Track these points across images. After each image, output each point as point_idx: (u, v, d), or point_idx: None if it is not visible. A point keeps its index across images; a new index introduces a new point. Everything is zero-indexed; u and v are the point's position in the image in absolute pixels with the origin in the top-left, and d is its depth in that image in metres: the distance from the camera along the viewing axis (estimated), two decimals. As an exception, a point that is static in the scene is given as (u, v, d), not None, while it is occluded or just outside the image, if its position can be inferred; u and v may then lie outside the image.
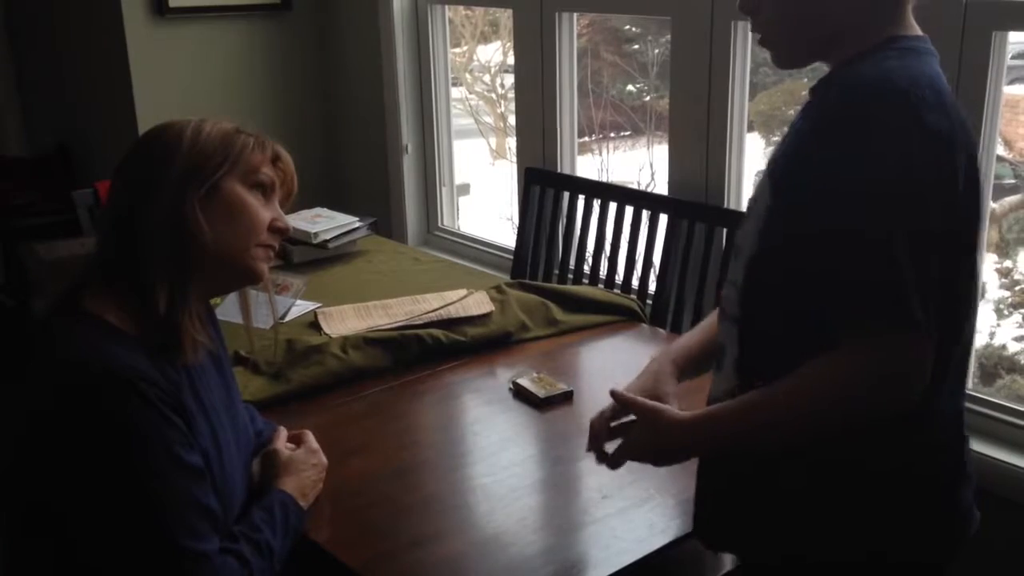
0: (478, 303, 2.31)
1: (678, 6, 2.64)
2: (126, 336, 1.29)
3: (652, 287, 2.79)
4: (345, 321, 2.30)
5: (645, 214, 2.84)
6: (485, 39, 5.40)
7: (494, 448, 1.78)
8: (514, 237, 3.27)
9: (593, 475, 1.70)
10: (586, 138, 4.83)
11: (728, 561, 1.66)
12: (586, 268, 3.00)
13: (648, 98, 4.92)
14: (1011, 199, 3.48)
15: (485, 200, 5.14)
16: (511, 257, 3.27)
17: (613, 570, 1.42)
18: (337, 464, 1.64)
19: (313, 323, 2.32)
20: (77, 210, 3.03)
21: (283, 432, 1.64)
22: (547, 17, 3.03)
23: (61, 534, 1.25)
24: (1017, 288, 3.46)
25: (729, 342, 1.36)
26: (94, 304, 1.30)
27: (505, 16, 4.59)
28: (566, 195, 3.09)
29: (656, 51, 4.65)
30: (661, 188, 3.17)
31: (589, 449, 1.50)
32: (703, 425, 1.31)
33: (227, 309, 2.40)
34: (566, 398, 1.94)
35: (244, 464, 1.48)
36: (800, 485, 1.31)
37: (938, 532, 1.33)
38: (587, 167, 4.64)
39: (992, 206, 2.67)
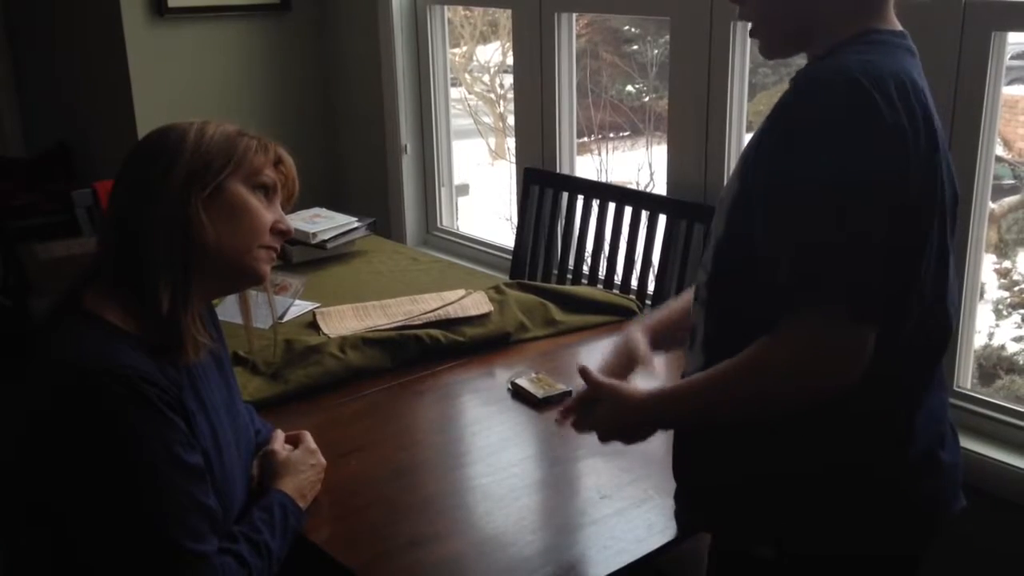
0: (477, 303, 2.31)
1: (677, 7, 2.64)
2: (127, 336, 1.29)
3: (651, 287, 2.79)
4: (344, 321, 2.30)
5: (644, 214, 2.84)
6: (484, 39, 5.40)
7: (493, 448, 1.77)
8: (513, 237, 3.27)
9: (592, 475, 1.71)
10: (585, 138, 4.83)
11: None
12: (585, 268, 3.00)
13: (647, 98, 4.92)
14: (1010, 199, 3.48)
15: (484, 200, 5.14)
16: (510, 257, 3.27)
17: (612, 570, 1.42)
18: (335, 464, 1.64)
19: (312, 323, 2.32)
20: (76, 210, 3.03)
21: (280, 434, 1.64)
22: (546, 17, 3.03)
23: (60, 534, 1.25)
24: (1016, 288, 3.46)
25: (698, 323, 1.40)
26: (95, 304, 1.30)
27: (504, 16, 4.59)
28: (565, 195, 3.09)
29: (655, 51, 4.65)
30: (660, 188, 3.17)
31: (559, 419, 1.52)
32: (661, 402, 1.36)
33: (227, 309, 2.40)
34: (565, 398, 1.93)
35: (244, 464, 1.49)
36: (765, 471, 1.34)
37: (900, 524, 1.34)
38: (586, 167, 4.64)
39: (991, 206, 2.66)
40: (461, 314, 2.26)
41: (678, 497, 1.50)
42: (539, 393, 1.93)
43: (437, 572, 1.44)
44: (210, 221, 1.33)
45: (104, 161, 3.82)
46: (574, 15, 3.07)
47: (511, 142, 4.27)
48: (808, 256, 1.19)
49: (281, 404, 1.90)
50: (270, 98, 3.80)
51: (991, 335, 3.32)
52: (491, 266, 3.40)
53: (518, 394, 1.97)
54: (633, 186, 4.17)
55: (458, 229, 3.73)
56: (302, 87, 3.88)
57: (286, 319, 2.35)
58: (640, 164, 4.66)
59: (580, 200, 3.05)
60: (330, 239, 2.79)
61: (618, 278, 2.91)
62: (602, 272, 2.95)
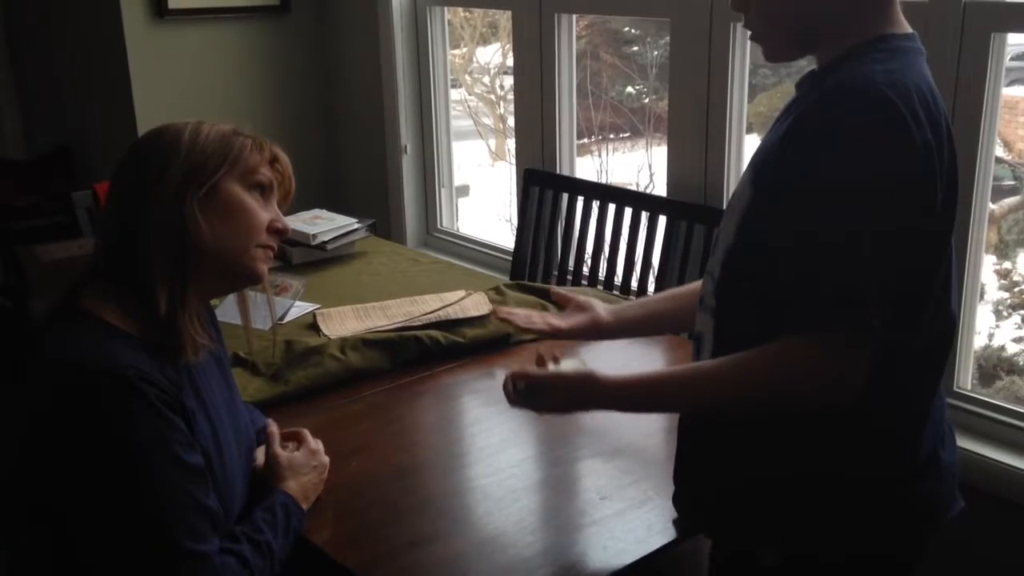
0: (477, 304, 2.31)
1: (677, 8, 2.64)
2: (126, 336, 1.29)
3: (651, 288, 2.79)
4: (344, 322, 2.30)
5: (644, 215, 2.84)
6: (484, 41, 5.40)
7: (492, 449, 1.77)
8: (513, 238, 3.28)
9: (592, 476, 1.71)
10: (585, 140, 4.83)
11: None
12: (585, 269, 3.00)
13: (647, 100, 4.92)
14: (1010, 200, 3.48)
15: (484, 201, 5.14)
16: (510, 258, 3.27)
17: (611, 571, 1.42)
18: (336, 465, 1.64)
19: (312, 324, 2.32)
20: (76, 212, 3.03)
21: (276, 436, 1.63)
22: (546, 19, 3.03)
23: (61, 534, 1.25)
24: (1016, 289, 3.46)
25: (706, 332, 1.39)
26: (94, 305, 1.30)
27: (504, 18, 4.60)
28: (565, 196, 3.09)
29: (655, 53, 4.65)
30: (660, 189, 3.17)
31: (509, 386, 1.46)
32: (636, 391, 1.34)
33: (226, 310, 2.40)
34: (565, 399, 1.93)
35: (245, 463, 1.49)
36: (769, 476, 1.33)
37: (901, 525, 1.34)
38: (586, 168, 4.65)
39: (991, 207, 2.66)
40: (461, 315, 2.26)
41: (677, 501, 1.49)
42: (539, 394, 1.93)
43: (437, 572, 1.44)
44: (206, 221, 1.33)
45: (104, 163, 3.82)
46: (574, 16, 3.07)
47: (511, 143, 4.27)
48: (822, 272, 1.18)
49: (281, 405, 1.90)
50: (270, 99, 3.80)
51: (991, 336, 3.32)
52: (491, 267, 3.40)
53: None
54: (633, 187, 4.17)
55: (458, 230, 3.74)
56: (302, 88, 3.89)
57: (286, 320, 2.35)
58: (640, 165, 4.66)
59: (580, 201, 3.05)
60: (330, 240, 2.80)
61: (618, 279, 2.92)
62: (602, 273, 2.95)
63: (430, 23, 3.51)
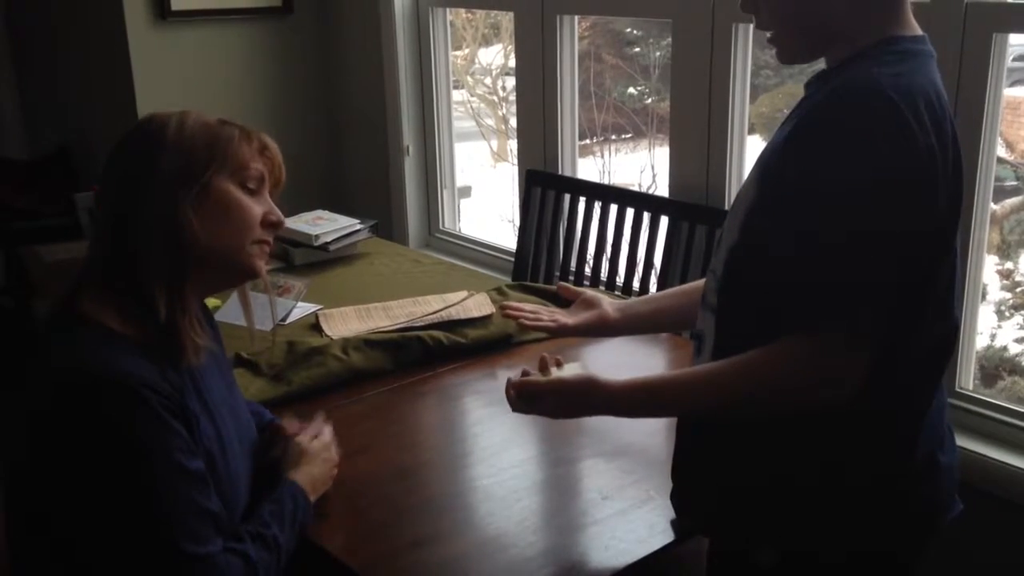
0: (479, 305, 2.31)
1: (679, 9, 2.64)
2: (126, 340, 1.28)
3: (653, 289, 2.79)
4: (346, 323, 2.30)
5: (646, 216, 2.84)
6: (486, 42, 5.40)
7: (495, 449, 1.78)
8: (515, 239, 3.28)
9: (593, 476, 1.71)
10: (587, 140, 4.83)
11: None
12: (587, 270, 3.00)
13: (649, 100, 4.92)
14: (1012, 201, 3.49)
15: (486, 202, 5.15)
16: (512, 259, 3.27)
17: (613, 571, 1.42)
18: (339, 465, 1.64)
19: (314, 325, 2.32)
20: (78, 212, 3.03)
21: (299, 426, 1.63)
22: (548, 20, 3.03)
23: (61, 540, 1.25)
24: (1018, 290, 3.46)
25: (708, 330, 1.39)
26: (92, 309, 1.29)
27: (506, 19, 4.60)
28: (567, 197, 3.09)
29: (657, 54, 4.66)
30: (662, 190, 3.17)
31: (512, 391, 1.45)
32: (637, 395, 1.35)
33: (227, 311, 2.40)
34: (567, 400, 1.93)
35: (248, 461, 1.48)
36: (766, 474, 1.34)
37: (898, 526, 1.35)
38: (588, 169, 4.65)
39: (993, 208, 2.66)
40: (463, 315, 2.26)
41: (675, 499, 1.49)
42: (541, 394, 1.93)
43: (439, 572, 1.44)
44: (200, 222, 1.32)
45: (107, 163, 3.82)
46: (576, 17, 3.07)
47: (513, 144, 4.27)
48: (822, 273, 1.19)
49: (284, 405, 1.90)
50: (273, 100, 3.81)
51: (993, 336, 3.32)
52: (493, 268, 3.40)
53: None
54: (635, 188, 4.17)
55: (460, 231, 3.74)
56: (304, 90, 3.89)
57: (289, 321, 2.36)
58: (642, 166, 4.67)
59: (582, 202, 3.05)
60: (332, 241, 2.80)
61: (620, 280, 2.92)
62: (604, 274, 2.95)
63: (432, 24, 3.52)
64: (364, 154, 3.86)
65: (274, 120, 3.79)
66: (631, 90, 5.04)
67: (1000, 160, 2.43)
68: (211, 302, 2.39)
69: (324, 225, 2.84)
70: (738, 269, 1.32)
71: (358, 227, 2.89)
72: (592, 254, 2.98)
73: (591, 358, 2.22)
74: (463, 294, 2.40)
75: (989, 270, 3.33)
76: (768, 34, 1.36)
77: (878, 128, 1.17)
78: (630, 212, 2.86)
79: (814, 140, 1.21)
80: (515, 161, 3.51)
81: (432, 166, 3.68)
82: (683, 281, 2.69)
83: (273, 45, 3.78)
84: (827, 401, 1.21)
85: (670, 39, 2.72)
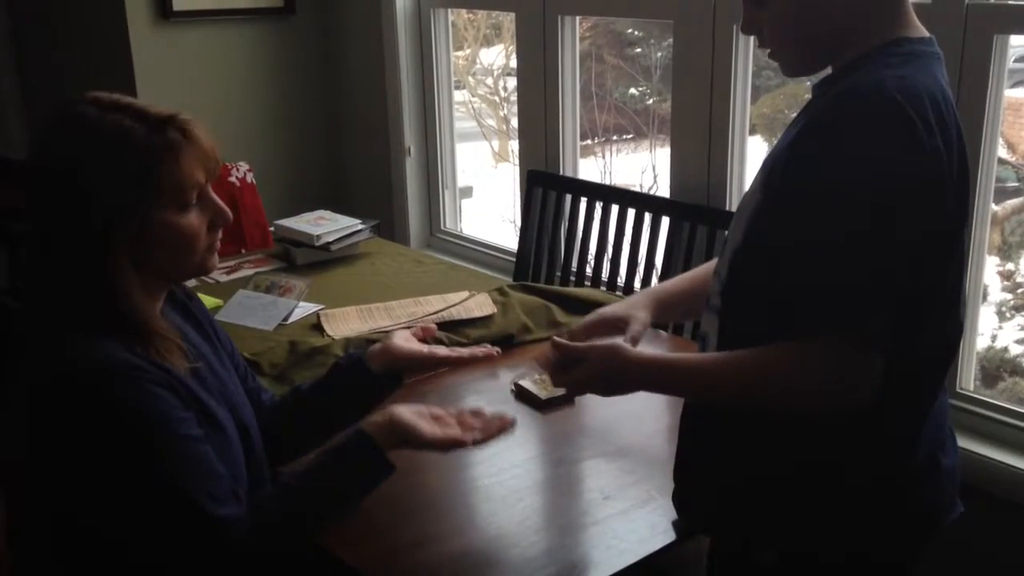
0: (480, 305, 2.31)
1: (680, 10, 2.64)
2: (110, 338, 1.26)
3: (654, 289, 2.80)
4: (348, 323, 2.31)
5: (647, 217, 2.84)
6: (488, 42, 5.41)
7: (496, 449, 1.77)
8: (516, 239, 3.28)
9: (595, 476, 1.71)
10: (589, 141, 4.84)
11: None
12: (588, 270, 3.00)
13: (651, 101, 4.93)
14: (1013, 202, 3.49)
15: (487, 203, 5.15)
16: (513, 259, 3.28)
17: (615, 571, 1.43)
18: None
19: (316, 325, 2.32)
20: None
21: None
22: (549, 20, 3.04)
23: (90, 530, 1.26)
24: (1019, 291, 3.47)
25: (711, 331, 1.39)
26: (67, 317, 1.28)
27: (508, 19, 4.60)
28: (568, 198, 3.09)
29: (659, 54, 4.66)
30: (663, 191, 3.17)
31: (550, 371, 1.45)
32: (660, 370, 1.36)
33: (228, 311, 2.41)
34: (568, 400, 1.94)
35: (244, 440, 1.45)
36: (767, 474, 1.34)
37: (899, 527, 1.35)
38: (590, 170, 4.65)
39: (994, 209, 2.67)
40: (464, 316, 2.27)
41: (676, 499, 1.50)
42: (542, 394, 1.94)
43: (441, 572, 1.44)
44: (142, 251, 1.27)
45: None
46: (577, 18, 3.07)
47: (514, 145, 4.27)
48: (834, 276, 1.18)
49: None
50: (274, 101, 3.81)
51: (994, 337, 3.32)
52: (494, 268, 3.40)
53: (521, 395, 1.97)
54: (636, 188, 4.17)
55: (461, 231, 3.74)
56: (306, 90, 3.89)
57: (290, 321, 2.36)
58: (643, 166, 4.67)
59: (583, 202, 3.05)
60: (334, 241, 2.80)
61: (621, 280, 2.92)
62: (605, 274, 2.96)
63: (434, 25, 3.52)
64: (366, 154, 3.86)
65: (276, 120, 3.79)
66: (632, 91, 5.04)
67: (1001, 161, 2.43)
68: (212, 302, 2.40)
69: (326, 225, 2.84)
70: (742, 271, 1.32)
71: (359, 227, 2.89)
72: (593, 254, 2.98)
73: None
74: (464, 294, 2.41)
75: (990, 271, 3.33)
76: (768, 51, 1.35)
77: (884, 130, 1.17)
78: (631, 213, 2.87)
79: (821, 143, 1.21)
80: (516, 161, 3.51)
81: (433, 166, 3.68)
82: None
83: (275, 46, 3.79)
84: (838, 405, 1.21)
85: (671, 40, 2.73)
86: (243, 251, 2.89)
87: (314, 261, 2.79)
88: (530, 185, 3.18)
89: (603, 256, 2.97)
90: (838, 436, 1.28)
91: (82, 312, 1.26)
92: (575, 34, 3.07)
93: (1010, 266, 3.50)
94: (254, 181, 2.98)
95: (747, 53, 2.55)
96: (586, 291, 2.56)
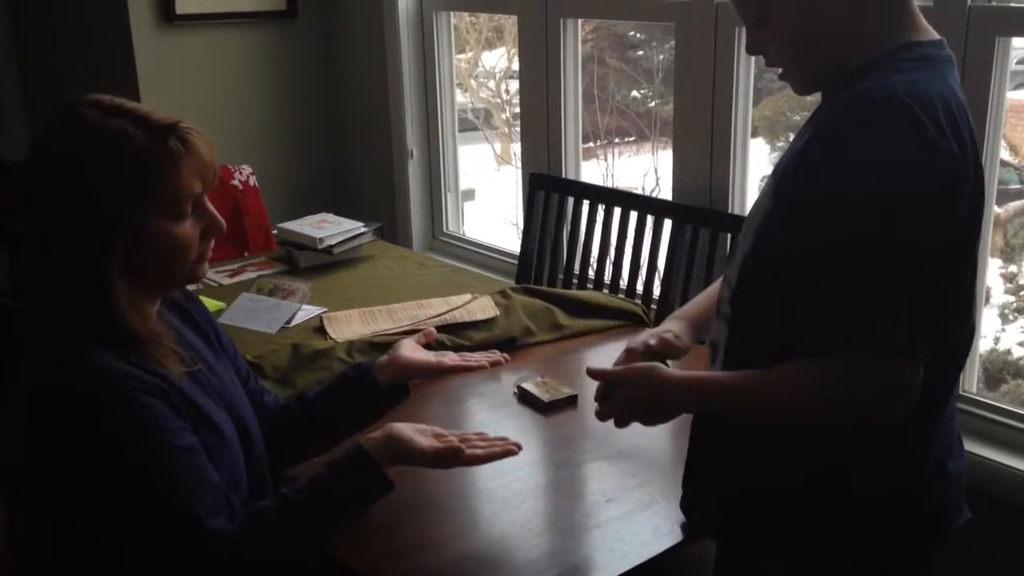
0: (483, 308, 2.31)
1: (682, 12, 2.64)
2: (104, 347, 1.27)
3: (656, 292, 2.80)
4: (350, 325, 2.31)
5: (649, 219, 2.84)
6: (490, 45, 5.41)
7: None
8: (519, 242, 3.28)
9: (597, 479, 1.71)
10: (591, 144, 4.84)
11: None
12: (591, 273, 3.00)
13: (653, 104, 4.93)
14: (1016, 204, 3.49)
15: (490, 205, 5.15)
16: (516, 262, 3.27)
17: (617, 574, 1.42)
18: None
19: (319, 328, 2.32)
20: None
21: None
22: (552, 23, 3.04)
23: (88, 537, 1.26)
24: (1022, 293, 3.46)
25: (720, 339, 1.38)
26: (64, 322, 1.28)
27: (510, 22, 4.60)
28: (571, 200, 3.09)
29: (661, 57, 4.66)
30: (666, 193, 3.17)
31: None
32: (695, 388, 1.34)
33: (231, 314, 2.41)
34: (570, 402, 1.94)
35: (243, 443, 1.45)
36: (778, 483, 1.33)
37: (907, 534, 1.34)
38: (592, 172, 4.65)
39: (997, 211, 2.66)
40: (467, 318, 2.27)
41: (685, 506, 1.49)
42: (545, 397, 1.94)
43: (443, 574, 1.44)
44: (136, 260, 1.27)
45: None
46: (579, 21, 3.07)
47: (516, 147, 4.27)
48: (859, 285, 1.16)
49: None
50: (277, 104, 3.81)
51: (997, 340, 3.32)
52: (497, 271, 3.40)
53: (524, 398, 1.97)
54: (639, 191, 4.17)
55: (464, 234, 3.74)
56: (309, 93, 3.90)
57: (293, 324, 2.36)
58: (646, 169, 4.67)
59: (586, 205, 3.05)
60: (337, 244, 2.80)
61: (623, 283, 2.92)
62: (608, 277, 2.96)
63: (436, 28, 3.52)
64: (368, 157, 3.86)
65: (278, 123, 3.79)
66: (634, 93, 5.05)
67: (1004, 163, 2.43)
68: (215, 305, 2.41)
69: (328, 228, 2.84)
70: (752, 279, 1.31)
71: (362, 230, 2.89)
72: (595, 257, 2.98)
73: (592, 362, 2.23)
74: (467, 297, 2.41)
75: (993, 273, 3.33)
76: (779, 71, 1.33)
77: (893, 134, 1.15)
78: (633, 215, 2.87)
79: (829, 150, 1.20)
80: (518, 164, 3.51)
81: (436, 169, 3.69)
82: (686, 283, 2.69)
83: (278, 49, 3.79)
84: (888, 415, 1.20)
85: (673, 42, 2.73)
86: (246, 254, 2.89)
87: (317, 264, 2.79)
88: (532, 188, 3.18)
89: (605, 259, 2.96)
90: (849, 445, 1.28)
91: (77, 314, 1.26)
92: (577, 37, 3.07)
93: (1013, 268, 3.50)
94: (257, 184, 2.98)
95: (749, 56, 2.55)
96: (588, 293, 2.56)
